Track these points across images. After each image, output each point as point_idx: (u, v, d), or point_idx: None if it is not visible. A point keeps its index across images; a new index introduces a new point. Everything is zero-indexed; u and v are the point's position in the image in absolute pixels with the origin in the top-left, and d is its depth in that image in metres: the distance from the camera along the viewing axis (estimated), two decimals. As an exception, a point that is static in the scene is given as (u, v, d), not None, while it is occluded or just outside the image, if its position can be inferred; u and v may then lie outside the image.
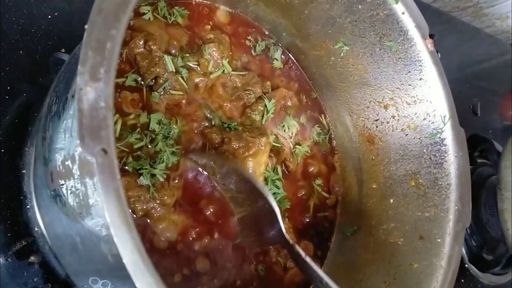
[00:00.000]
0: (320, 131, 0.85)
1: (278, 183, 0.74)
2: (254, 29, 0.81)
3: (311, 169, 0.82)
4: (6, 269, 0.59)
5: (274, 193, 0.73)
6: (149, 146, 0.61)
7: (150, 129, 0.62)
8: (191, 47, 0.71)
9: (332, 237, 0.82)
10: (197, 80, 0.70)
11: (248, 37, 0.80)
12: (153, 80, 0.65)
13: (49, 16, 0.68)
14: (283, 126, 0.79)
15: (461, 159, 0.69)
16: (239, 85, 0.74)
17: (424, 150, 0.72)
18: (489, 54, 1.46)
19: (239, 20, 0.80)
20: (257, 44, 0.80)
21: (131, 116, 0.61)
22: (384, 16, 0.69)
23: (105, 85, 0.38)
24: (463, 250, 1.07)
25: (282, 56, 0.84)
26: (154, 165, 0.60)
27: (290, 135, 0.80)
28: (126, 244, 0.37)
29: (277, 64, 0.83)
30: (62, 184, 0.46)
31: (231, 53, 0.75)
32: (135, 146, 0.60)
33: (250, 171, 0.70)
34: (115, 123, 0.59)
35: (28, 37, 0.66)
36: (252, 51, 0.79)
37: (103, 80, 0.38)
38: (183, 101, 0.67)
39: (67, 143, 0.45)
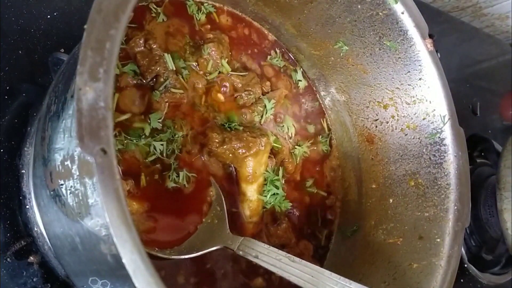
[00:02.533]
0: (321, 137, 0.85)
1: (277, 183, 0.74)
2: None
3: (310, 169, 0.82)
4: (6, 269, 0.59)
5: (273, 194, 0.73)
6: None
7: (152, 127, 0.62)
8: (193, 40, 0.72)
9: (332, 237, 0.82)
10: (197, 79, 0.70)
11: (269, 55, 0.82)
12: (154, 79, 0.65)
13: (48, 16, 0.68)
14: (283, 126, 0.79)
15: (460, 159, 0.69)
16: (239, 85, 0.74)
17: (424, 150, 0.72)
18: (489, 54, 1.46)
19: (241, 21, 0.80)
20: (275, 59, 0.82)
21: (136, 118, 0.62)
22: (384, 16, 0.69)
23: (104, 85, 0.38)
24: (463, 250, 1.07)
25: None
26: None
27: (290, 135, 0.80)
28: (125, 244, 0.37)
29: (303, 84, 0.84)
30: (62, 184, 0.46)
31: (230, 53, 0.75)
32: (149, 159, 0.62)
33: (251, 171, 0.70)
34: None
35: (27, 37, 0.66)
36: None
37: (102, 80, 0.38)
38: (184, 101, 0.68)
39: (66, 143, 0.45)
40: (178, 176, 0.63)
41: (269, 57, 0.82)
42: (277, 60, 0.82)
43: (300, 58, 0.85)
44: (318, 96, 0.87)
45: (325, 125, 0.86)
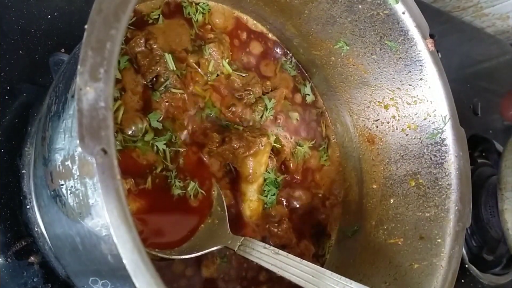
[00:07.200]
0: (321, 148, 0.85)
1: (278, 183, 0.74)
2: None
3: (311, 170, 0.82)
4: (6, 269, 0.59)
5: (273, 194, 0.73)
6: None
7: (152, 126, 0.62)
8: (194, 40, 0.72)
9: (332, 237, 0.82)
10: (197, 80, 0.70)
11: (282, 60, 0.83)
12: (154, 79, 0.65)
13: (49, 16, 0.68)
14: (286, 124, 0.79)
15: (461, 159, 0.69)
16: (239, 85, 0.74)
17: (425, 150, 0.72)
18: (490, 54, 1.46)
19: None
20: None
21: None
22: (385, 16, 0.69)
23: (105, 85, 0.38)
24: (464, 251, 1.07)
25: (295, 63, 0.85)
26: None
27: (296, 128, 0.80)
28: (126, 244, 0.37)
29: (310, 98, 0.84)
30: (62, 184, 0.46)
31: (231, 53, 0.75)
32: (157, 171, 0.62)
33: (251, 171, 0.70)
34: (118, 109, 0.59)
35: (28, 37, 0.66)
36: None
37: (103, 80, 0.38)
38: (184, 101, 0.67)
39: (67, 143, 0.45)
40: (181, 184, 0.63)
41: (283, 59, 0.83)
42: (289, 66, 0.83)
43: (301, 58, 0.84)
44: (318, 95, 0.87)
45: (323, 130, 0.86)
